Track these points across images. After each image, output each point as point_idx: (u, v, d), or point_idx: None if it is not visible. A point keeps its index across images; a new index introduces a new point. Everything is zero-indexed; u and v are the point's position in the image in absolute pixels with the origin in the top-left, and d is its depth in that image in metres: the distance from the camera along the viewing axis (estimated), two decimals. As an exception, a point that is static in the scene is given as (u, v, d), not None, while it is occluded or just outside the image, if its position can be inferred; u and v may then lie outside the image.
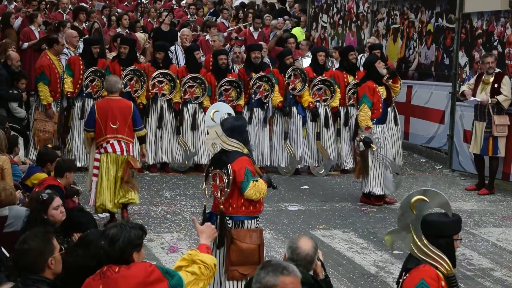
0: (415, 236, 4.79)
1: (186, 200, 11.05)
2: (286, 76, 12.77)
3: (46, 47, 12.94)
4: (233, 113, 7.68)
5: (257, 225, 6.92)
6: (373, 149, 10.82)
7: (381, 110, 10.95)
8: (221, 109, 7.28)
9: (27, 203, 6.56)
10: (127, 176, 9.55)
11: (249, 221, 6.83)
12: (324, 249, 9.15)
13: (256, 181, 6.72)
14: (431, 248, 4.77)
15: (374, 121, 10.92)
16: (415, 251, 4.80)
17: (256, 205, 6.86)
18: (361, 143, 10.90)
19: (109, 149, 9.52)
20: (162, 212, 10.40)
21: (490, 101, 11.80)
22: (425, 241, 4.79)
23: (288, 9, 19.98)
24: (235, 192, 6.73)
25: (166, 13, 15.38)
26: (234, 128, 6.86)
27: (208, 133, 7.17)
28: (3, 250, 5.83)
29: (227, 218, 6.77)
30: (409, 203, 4.84)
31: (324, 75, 13.01)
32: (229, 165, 6.71)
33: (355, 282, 8.24)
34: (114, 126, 9.51)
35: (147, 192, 11.35)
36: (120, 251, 4.44)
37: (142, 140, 10.10)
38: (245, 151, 6.83)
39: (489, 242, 9.79)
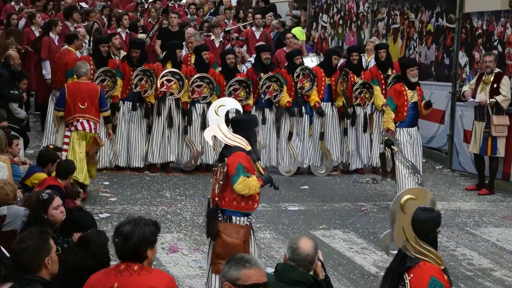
0: (408, 236, 4.81)
1: (186, 200, 11.04)
2: (295, 75, 12.76)
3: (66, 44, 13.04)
4: (240, 109, 7.73)
5: (248, 223, 6.85)
6: (394, 151, 10.73)
7: (405, 114, 10.91)
8: (228, 104, 7.24)
9: (23, 203, 6.54)
10: (92, 152, 10.72)
11: (238, 218, 6.78)
12: (324, 249, 9.15)
13: (248, 177, 6.65)
14: (423, 245, 4.81)
15: (397, 124, 10.92)
16: (409, 250, 4.82)
17: (248, 202, 6.76)
18: (382, 145, 11.01)
19: (79, 127, 10.60)
20: (162, 212, 10.39)
21: (489, 102, 11.80)
22: (417, 239, 4.81)
23: (289, 10, 19.98)
24: (228, 186, 6.75)
25: (175, 15, 15.36)
26: (241, 122, 6.94)
27: (208, 125, 7.16)
28: (3, 250, 5.83)
29: (219, 211, 6.79)
30: (399, 204, 4.85)
31: (332, 76, 13.00)
32: (226, 158, 6.75)
33: (355, 282, 8.24)
34: (82, 107, 10.61)
35: (147, 192, 11.35)
36: (135, 247, 4.38)
37: (107, 120, 11.37)
38: (248, 148, 6.79)
39: (489, 242, 9.79)
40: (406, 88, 10.94)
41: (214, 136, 6.98)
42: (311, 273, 4.72)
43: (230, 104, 7.45)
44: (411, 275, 4.78)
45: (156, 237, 4.50)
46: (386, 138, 10.86)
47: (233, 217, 6.78)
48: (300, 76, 12.79)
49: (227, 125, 7.06)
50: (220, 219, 6.78)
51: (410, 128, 11.05)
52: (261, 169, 6.93)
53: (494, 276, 8.57)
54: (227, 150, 6.85)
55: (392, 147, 10.73)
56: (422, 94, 11.27)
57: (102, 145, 11.22)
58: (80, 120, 10.58)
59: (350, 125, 13.10)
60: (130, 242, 4.38)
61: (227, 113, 7.38)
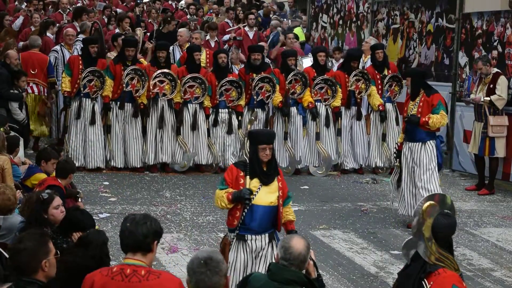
0: (428, 243, 4.79)
1: (186, 200, 11.04)
2: (287, 82, 12.73)
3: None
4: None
5: (230, 239, 6.64)
6: (397, 165, 10.35)
7: (402, 126, 10.09)
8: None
9: (23, 203, 6.51)
10: (43, 111, 12.89)
11: (229, 233, 6.68)
12: (324, 249, 9.16)
13: (220, 189, 6.54)
14: (442, 251, 4.79)
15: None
16: (428, 257, 4.79)
17: (229, 217, 6.63)
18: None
19: (30, 90, 12.73)
20: (162, 212, 10.39)
21: (483, 99, 11.81)
22: (436, 246, 4.79)
23: (288, 9, 20.02)
24: None
25: (175, 22, 15.41)
26: (248, 136, 6.80)
27: None
28: (2, 250, 5.81)
29: None
30: (421, 211, 4.84)
31: (326, 75, 13.01)
32: None
33: (355, 282, 8.23)
34: (33, 72, 12.83)
35: (147, 192, 11.34)
36: (145, 235, 4.37)
37: (52, 85, 13.20)
38: (247, 161, 6.62)
39: (489, 242, 9.79)
40: (411, 99, 10.08)
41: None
42: (304, 272, 4.73)
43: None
44: (431, 282, 4.74)
45: (162, 234, 4.52)
46: (395, 149, 10.69)
47: (228, 232, 6.71)
48: (292, 82, 12.78)
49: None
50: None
51: (410, 143, 10.00)
52: (247, 184, 6.53)
53: (494, 276, 8.57)
54: None
55: (396, 159, 10.50)
56: (429, 105, 9.81)
57: (49, 107, 13.11)
58: (31, 84, 12.75)
59: (345, 107, 13.06)
60: (142, 228, 4.37)
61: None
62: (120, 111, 12.34)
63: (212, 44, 15.13)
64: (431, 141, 9.92)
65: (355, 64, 13.13)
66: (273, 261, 6.46)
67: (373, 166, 13.36)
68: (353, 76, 12.93)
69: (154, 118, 12.41)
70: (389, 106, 13.26)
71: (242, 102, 12.59)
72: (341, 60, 14.78)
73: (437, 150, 9.95)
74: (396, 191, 10.41)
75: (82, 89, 12.13)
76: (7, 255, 5.54)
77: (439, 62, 14.27)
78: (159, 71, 12.29)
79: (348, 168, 13.26)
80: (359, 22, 17.06)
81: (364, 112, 13.31)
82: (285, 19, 17.55)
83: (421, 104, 9.83)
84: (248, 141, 6.73)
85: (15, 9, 17.15)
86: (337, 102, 12.99)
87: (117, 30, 15.04)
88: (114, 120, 12.36)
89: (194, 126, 12.47)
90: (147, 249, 4.40)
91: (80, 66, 12.21)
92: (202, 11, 19.57)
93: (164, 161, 12.56)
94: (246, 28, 16.43)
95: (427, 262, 4.81)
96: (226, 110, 12.57)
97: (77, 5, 17.96)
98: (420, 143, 9.91)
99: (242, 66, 13.81)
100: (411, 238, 4.96)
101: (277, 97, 12.63)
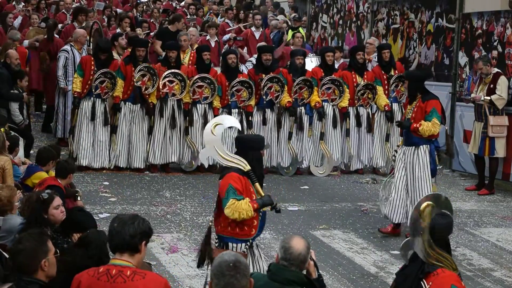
0: (426, 244, 4.80)
1: (186, 200, 11.04)
2: (293, 91, 12.72)
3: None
4: (238, 127, 7.41)
5: (245, 249, 6.29)
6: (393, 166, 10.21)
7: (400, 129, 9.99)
8: (224, 123, 6.71)
9: (23, 203, 6.51)
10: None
11: (235, 244, 6.28)
12: (324, 249, 9.16)
13: (238, 199, 6.10)
14: (440, 252, 4.81)
15: None
16: (426, 257, 4.80)
17: (244, 227, 6.25)
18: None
19: None
20: (162, 212, 10.39)
21: (483, 98, 11.83)
22: (433, 246, 4.81)
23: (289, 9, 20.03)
24: (222, 210, 6.21)
25: (182, 20, 15.43)
26: (244, 142, 6.54)
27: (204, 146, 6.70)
28: (2, 251, 5.81)
29: (216, 238, 6.41)
30: (418, 212, 4.86)
31: (333, 75, 13.01)
32: (219, 181, 6.36)
33: (355, 282, 8.24)
34: None
35: (147, 192, 11.34)
36: (132, 234, 4.37)
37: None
38: (247, 168, 6.30)
39: (489, 242, 9.79)
40: (409, 103, 9.84)
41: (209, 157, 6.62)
42: (304, 272, 4.72)
43: (228, 122, 6.91)
44: (430, 283, 4.75)
45: (151, 234, 4.51)
46: (395, 151, 10.64)
47: (230, 244, 6.27)
48: (298, 91, 12.77)
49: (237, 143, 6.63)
50: (217, 245, 6.39)
51: (405, 147, 9.68)
52: (261, 191, 6.30)
53: (494, 276, 8.57)
54: (224, 171, 6.43)
55: (394, 161, 10.41)
56: (423, 111, 9.45)
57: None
58: None
59: (355, 126, 13.08)
60: (129, 228, 4.37)
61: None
62: (129, 111, 12.32)
63: (212, 44, 15.12)
64: (424, 146, 9.53)
65: (359, 55, 13.12)
66: (270, 261, 6.47)
67: (374, 166, 13.37)
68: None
69: (164, 118, 12.40)
70: (395, 106, 13.25)
71: (252, 103, 12.58)
72: (342, 60, 14.80)
73: (430, 156, 9.57)
74: (384, 192, 10.25)
75: (93, 90, 12.12)
76: (7, 255, 5.55)
77: (439, 62, 14.28)
78: (168, 71, 12.28)
79: (353, 169, 13.26)
80: (359, 22, 17.07)
81: (371, 112, 13.30)
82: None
83: (415, 109, 9.52)
84: (243, 146, 6.47)
85: (17, 9, 17.14)
86: (345, 102, 12.97)
87: (117, 30, 15.03)
88: (121, 120, 12.35)
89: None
90: (135, 250, 4.41)
91: (93, 67, 12.20)
92: (202, 11, 19.58)
93: (173, 160, 12.55)
94: (253, 29, 16.44)
95: (425, 262, 4.82)
96: (237, 110, 12.56)
97: (76, 5, 17.95)
98: (414, 147, 9.57)
99: (243, 65, 13.81)
100: (409, 239, 4.97)
101: (285, 97, 12.61)
